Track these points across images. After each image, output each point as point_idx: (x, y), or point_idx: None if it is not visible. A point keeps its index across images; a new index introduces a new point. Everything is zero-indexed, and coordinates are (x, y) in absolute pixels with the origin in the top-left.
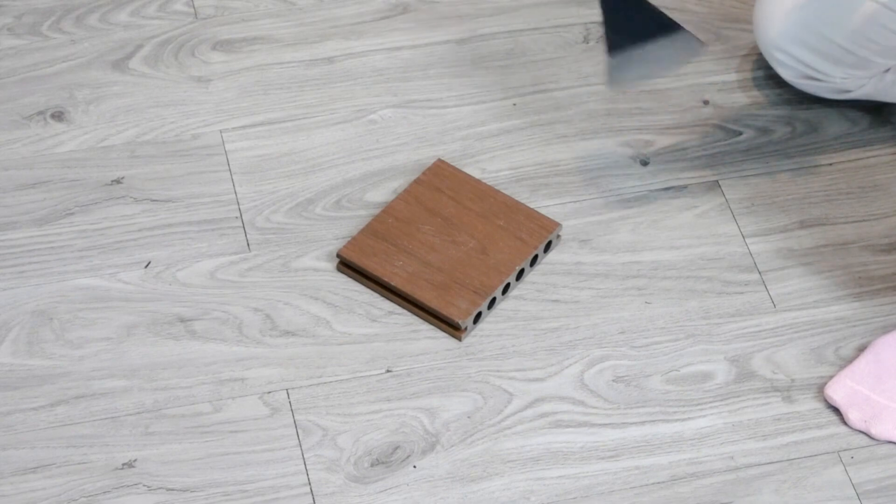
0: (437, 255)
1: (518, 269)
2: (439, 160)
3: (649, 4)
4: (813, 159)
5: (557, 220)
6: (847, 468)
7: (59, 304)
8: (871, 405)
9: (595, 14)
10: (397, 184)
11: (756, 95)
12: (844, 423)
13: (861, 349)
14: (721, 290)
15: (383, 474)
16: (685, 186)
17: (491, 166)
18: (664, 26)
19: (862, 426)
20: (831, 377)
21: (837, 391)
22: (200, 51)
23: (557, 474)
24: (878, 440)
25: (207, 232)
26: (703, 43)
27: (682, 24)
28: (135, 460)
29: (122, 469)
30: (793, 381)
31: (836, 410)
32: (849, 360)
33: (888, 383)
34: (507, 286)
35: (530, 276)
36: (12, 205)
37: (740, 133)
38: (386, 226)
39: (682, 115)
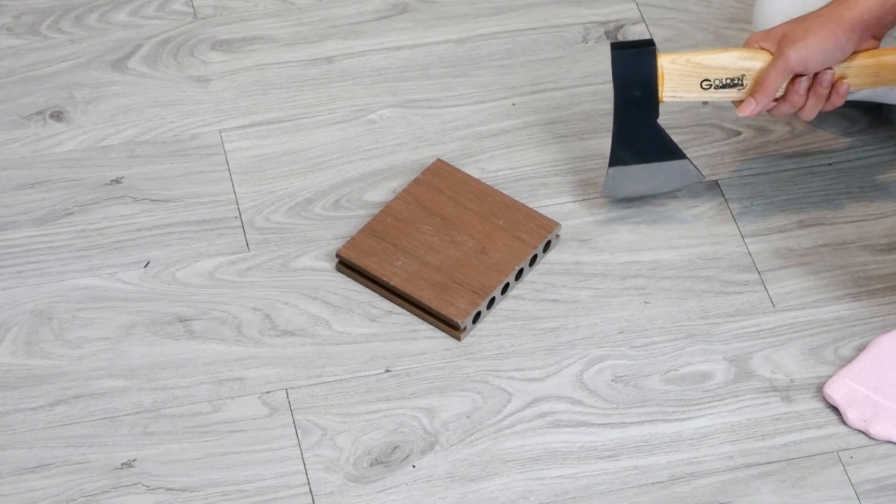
0: (437, 255)
1: (517, 268)
2: (438, 160)
3: (660, 128)
4: (812, 159)
5: (556, 219)
6: (846, 468)
7: (57, 303)
8: (871, 404)
9: (594, 14)
10: (396, 183)
11: None
12: (843, 422)
13: (860, 349)
14: (720, 290)
15: (382, 474)
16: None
17: (490, 166)
18: (669, 152)
19: (861, 425)
20: (830, 377)
21: (836, 390)
22: (199, 50)
23: (556, 474)
24: (877, 440)
25: (206, 232)
26: (703, 175)
27: (685, 154)
28: (134, 460)
29: (121, 469)
30: (792, 380)
31: (836, 410)
32: (848, 360)
33: (888, 383)
34: (507, 286)
35: (529, 276)
36: (11, 204)
37: (739, 133)
38: (385, 225)
39: (681, 114)
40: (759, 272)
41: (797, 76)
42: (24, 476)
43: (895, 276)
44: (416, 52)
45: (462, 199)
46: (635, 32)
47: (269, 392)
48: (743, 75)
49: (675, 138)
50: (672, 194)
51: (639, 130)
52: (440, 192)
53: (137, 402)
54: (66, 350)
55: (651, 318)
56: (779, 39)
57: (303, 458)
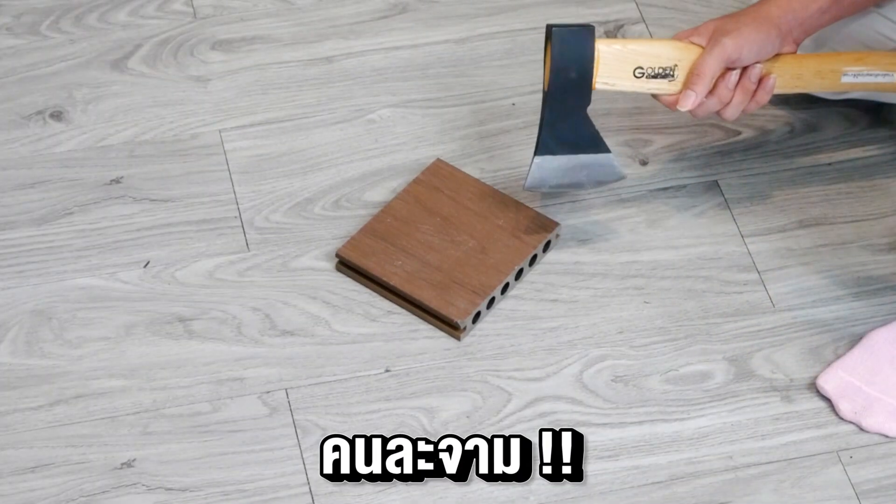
0: (436, 255)
1: (517, 268)
2: (438, 160)
3: (590, 122)
4: (812, 159)
5: (556, 219)
6: (846, 468)
7: (57, 303)
8: (863, 397)
9: (594, 14)
10: (396, 183)
11: None
12: (836, 413)
13: None
14: (720, 290)
15: None
16: (684, 186)
17: (490, 166)
18: (596, 144)
19: (852, 417)
20: (824, 369)
21: (829, 381)
22: (199, 50)
23: None
24: (868, 432)
25: (206, 231)
26: (624, 174)
27: (611, 150)
28: (134, 460)
29: (120, 469)
30: (791, 380)
31: (831, 404)
32: None
33: (880, 375)
34: (506, 286)
35: (529, 276)
36: (11, 204)
37: (739, 133)
38: (385, 225)
39: (680, 114)
40: (759, 272)
41: (727, 70)
42: (24, 476)
43: (895, 276)
44: (415, 51)
45: (462, 198)
46: (635, 32)
47: (268, 392)
48: (675, 66)
49: (675, 138)
50: (598, 190)
51: (570, 118)
52: (440, 191)
53: (137, 402)
54: (66, 350)
55: (651, 318)
56: (710, 33)
57: (303, 458)
